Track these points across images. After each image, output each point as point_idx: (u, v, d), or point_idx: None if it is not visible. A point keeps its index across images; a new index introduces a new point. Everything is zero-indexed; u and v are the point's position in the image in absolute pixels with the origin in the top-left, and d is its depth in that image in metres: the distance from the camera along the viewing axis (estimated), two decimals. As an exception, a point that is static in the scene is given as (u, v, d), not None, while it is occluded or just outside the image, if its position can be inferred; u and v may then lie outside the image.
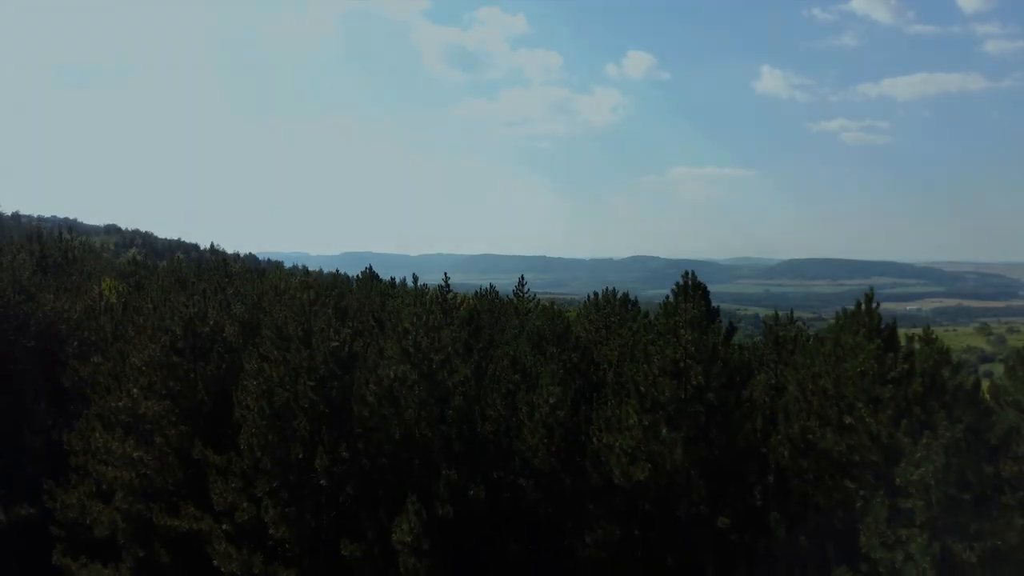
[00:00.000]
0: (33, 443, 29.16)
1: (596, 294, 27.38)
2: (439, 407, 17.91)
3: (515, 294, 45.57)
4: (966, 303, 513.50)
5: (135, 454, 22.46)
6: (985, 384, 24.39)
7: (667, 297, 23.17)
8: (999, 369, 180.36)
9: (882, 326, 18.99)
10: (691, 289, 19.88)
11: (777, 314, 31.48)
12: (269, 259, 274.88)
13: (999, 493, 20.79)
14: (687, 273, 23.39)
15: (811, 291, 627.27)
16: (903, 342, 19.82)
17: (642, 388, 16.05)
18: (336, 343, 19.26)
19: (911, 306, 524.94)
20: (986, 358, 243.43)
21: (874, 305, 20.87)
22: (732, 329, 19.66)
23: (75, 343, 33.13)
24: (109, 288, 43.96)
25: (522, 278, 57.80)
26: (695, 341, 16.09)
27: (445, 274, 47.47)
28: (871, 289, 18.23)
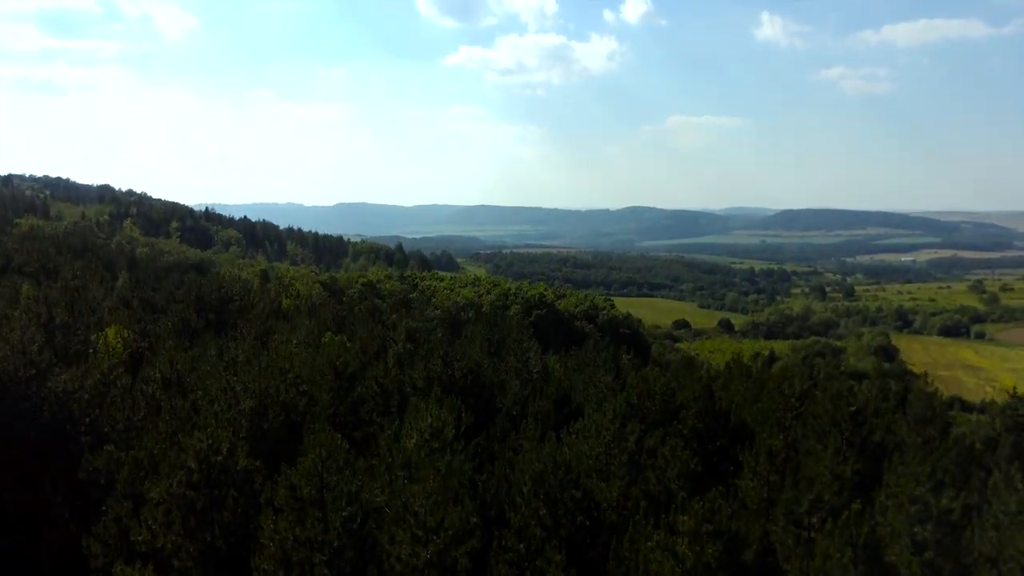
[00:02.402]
0: (50, 537, 30.14)
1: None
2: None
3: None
4: (961, 254, 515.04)
5: (156, 586, 23.49)
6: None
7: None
8: (991, 330, 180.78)
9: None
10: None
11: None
12: (264, 220, 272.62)
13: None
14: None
15: (806, 242, 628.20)
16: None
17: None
18: (346, 513, 20.09)
19: (906, 257, 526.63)
20: (978, 318, 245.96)
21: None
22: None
23: (87, 420, 34.04)
24: (114, 336, 44.68)
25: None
26: (694, 556, 16.93)
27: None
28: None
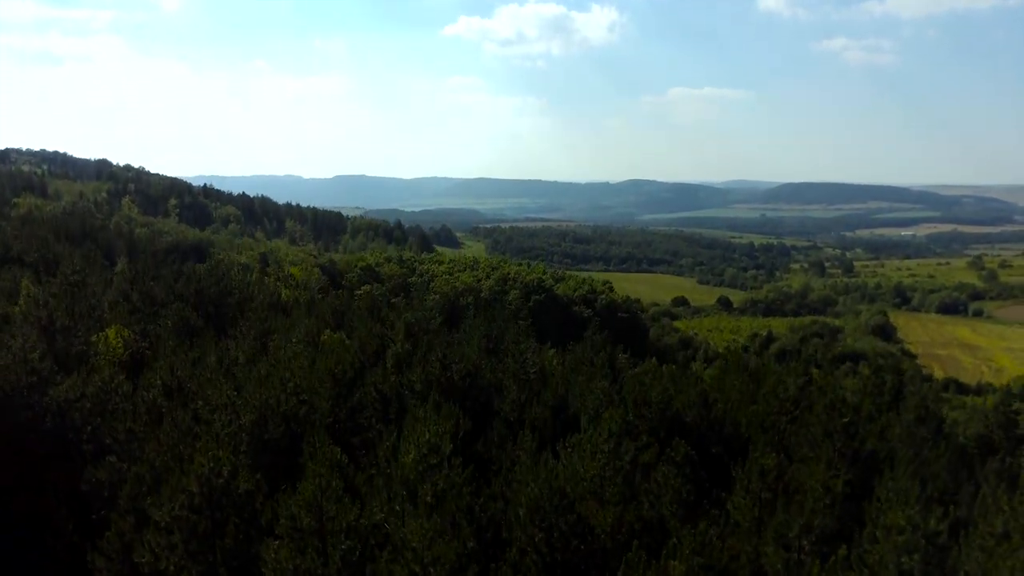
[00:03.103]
0: (54, 547, 30.62)
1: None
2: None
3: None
4: (962, 228, 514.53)
5: (159, 607, 24.04)
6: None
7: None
8: (989, 307, 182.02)
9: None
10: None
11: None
12: (262, 196, 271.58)
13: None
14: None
15: (807, 216, 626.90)
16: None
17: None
18: (344, 547, 20.52)
19: (906, 231, 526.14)
20: (977, 295, 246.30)
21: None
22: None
23: (89, 429, 34.42)
24: (115, 336, 44.97)
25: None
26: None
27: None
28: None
